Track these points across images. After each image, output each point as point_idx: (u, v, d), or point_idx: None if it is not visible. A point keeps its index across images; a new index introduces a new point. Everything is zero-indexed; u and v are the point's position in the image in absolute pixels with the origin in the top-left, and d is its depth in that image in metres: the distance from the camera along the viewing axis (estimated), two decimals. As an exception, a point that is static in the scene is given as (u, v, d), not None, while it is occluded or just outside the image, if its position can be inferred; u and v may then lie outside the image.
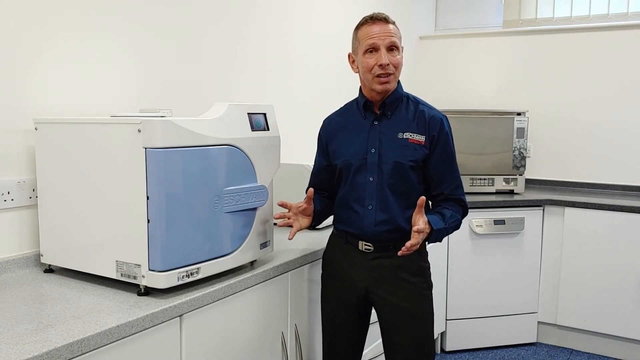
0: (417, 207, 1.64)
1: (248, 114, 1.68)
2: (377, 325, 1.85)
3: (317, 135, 1.94)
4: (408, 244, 1.60)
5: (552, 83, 3.82)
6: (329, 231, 1.95)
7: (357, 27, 1.75)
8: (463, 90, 4.13)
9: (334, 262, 1.87)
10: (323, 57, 3.12)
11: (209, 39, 2.34)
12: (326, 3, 3.12)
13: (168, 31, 2.14)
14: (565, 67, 3.76)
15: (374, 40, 1.68)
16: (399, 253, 1.61)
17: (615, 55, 3.61)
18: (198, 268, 1.51)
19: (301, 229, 1.82)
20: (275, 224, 1.81)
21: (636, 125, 3.57)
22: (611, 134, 3.64)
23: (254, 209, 1.69)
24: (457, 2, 4.29)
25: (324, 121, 1.93)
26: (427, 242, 1.76)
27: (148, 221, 1.41)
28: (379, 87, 1.71)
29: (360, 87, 1.81)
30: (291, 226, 1.81)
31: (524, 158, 3.46)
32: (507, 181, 3.48)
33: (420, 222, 1.63)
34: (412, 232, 1.62)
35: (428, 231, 1.66)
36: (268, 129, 1.74)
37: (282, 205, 1.78)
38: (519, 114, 3.48)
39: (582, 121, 3.73)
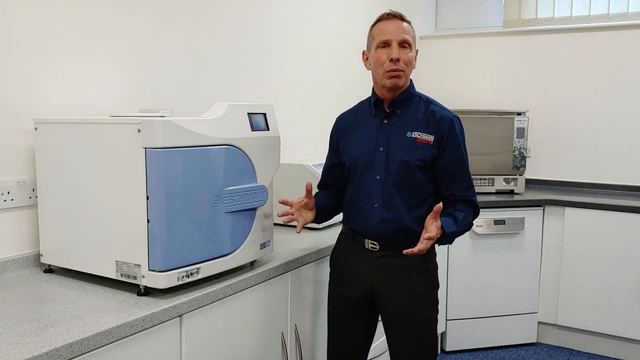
0: (432, 212, 1.63)
1: (248, 114, 1.68)
2: (381, 324, 1.85)
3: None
4: (416, 248, 1.59)
5: (552, 83, 3.81)
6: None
7: (373, 25, 1.77)
8: (463, 90, 4.13)
9: (340, 260, 1.87)
10: (323, 56, 3.12)
11: (209, 39, 2.34)
12: (327, 3, 3.12)
13: (168, 31, 2.14)
14: (565, 67, 3.76)
15: (387, 35, 1.70)
16: (405, 252, 1.60)
17: (615, 55, 3.61)
18: (198, 268, 1.51)
19: (306, 223, 1.82)
20: (275, 223, 1.81)
21: (636, 125, 3.57)
22: (611, 134, 3.64)
23: (254, 209, 1.69)
24: (457, 2, 4.29)
25: (336, 119, 1.93)
26: (437, 244, 1.74)
27: (148, 221, 1.41)
28: (388, 83, 1.71)
29: (373, 86, 1.82)
30: (297, 221, 1.80)
31: (524, 158, 3.46)
32: (507, 181, 3.47)
33: (432, 228, 1.62)
34: (422, 238, 1.61)
35: (439, 236, 1.64)
36: (268, 129, 1.74)
37: (283, 202, 1.78)
38: (519, 114, 3.48)
39: (582, 121, 3.73)
